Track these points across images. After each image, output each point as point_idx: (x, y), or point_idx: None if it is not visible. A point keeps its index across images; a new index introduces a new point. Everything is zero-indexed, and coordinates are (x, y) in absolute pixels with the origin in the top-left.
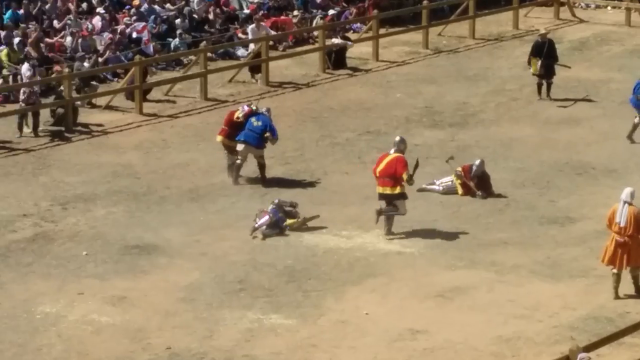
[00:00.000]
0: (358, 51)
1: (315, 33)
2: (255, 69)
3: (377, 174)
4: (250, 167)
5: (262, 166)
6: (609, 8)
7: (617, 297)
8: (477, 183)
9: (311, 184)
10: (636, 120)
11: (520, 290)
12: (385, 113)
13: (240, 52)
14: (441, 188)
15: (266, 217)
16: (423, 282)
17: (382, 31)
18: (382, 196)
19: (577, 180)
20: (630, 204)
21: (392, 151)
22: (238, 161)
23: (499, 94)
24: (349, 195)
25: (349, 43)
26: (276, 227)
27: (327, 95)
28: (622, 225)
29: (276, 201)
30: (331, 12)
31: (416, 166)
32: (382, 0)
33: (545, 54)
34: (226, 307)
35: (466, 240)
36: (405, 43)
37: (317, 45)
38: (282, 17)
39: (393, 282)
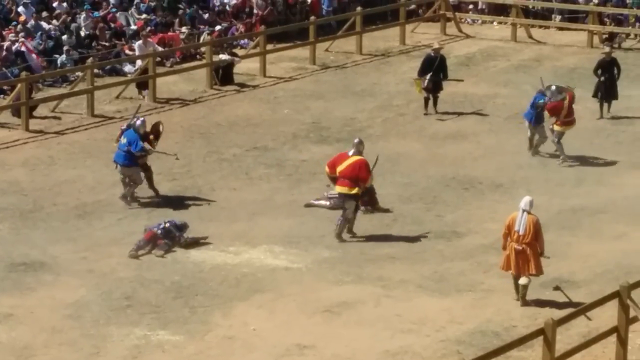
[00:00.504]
0: (245, 67)
1: (203, 49)
2: (142, 85)
3: (338, 174)
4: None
5: (148, 179)
6: (495, 23)
7: (518, 299)
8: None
9: (198, 200)
10: (529, 134)
11: (407, 305)
12: (272, 129)
13: (128, 68)
14: (329, 203)
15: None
16: (310, 297)
17: (269, 47)
18: (341, 195)
19: (464, 195)
20: (529, 212)
21: (350, 152)
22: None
23: (386, 109)
24: (237, 211)
25: (237, 59)
26: (165, 246)
27: (214, 111)
28: (521, 233)
29: (167, 225)
30: (218, 28)
31: (375, 163)
32: (269, 16)
33: (435, 68)
34: (113, 324)
35: (354, 255)
36: (292, 59)
37: (204, 61)
38: (170, 33)
39: (280, 297)
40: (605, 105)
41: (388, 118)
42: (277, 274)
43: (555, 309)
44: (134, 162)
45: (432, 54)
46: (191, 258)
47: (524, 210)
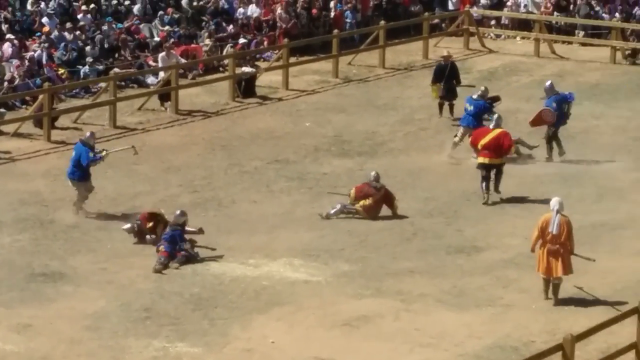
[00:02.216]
0: (268, 80)
1: (226, 61)
2: (164, 97)
3: (480, 147)
4: (158, 196)
5: None
6: (518, 38)
7: (547, 297)
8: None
9: (219, 212)
10: (456, 139)
11: (426, 319)
12: (294, 142)
13: (150, 79)
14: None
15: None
16: (330, 310)
17: (292, 60)
18: (484, 165)
19: (484, 210)
20: (561, 213)
21: (491, 126)
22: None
23: (408, 123)
24: (257, 224)
25: (260, 69)
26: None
27: (236, 123)
28: (555, 233)
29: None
30: (241, 40)
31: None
32: (293, 29)
33: (447, 76)
34: (132, 336)
35: (373, 268)
36: (315, 72)
37: (227, 73)
38: (193, 45)
39: (300, 310)
40: None
41: (410, 132)
42: (296, 287)
43: (574, 324)
44: (83, 176)
45: (443, 63)
46: (211, 270)
47: (557, 211)
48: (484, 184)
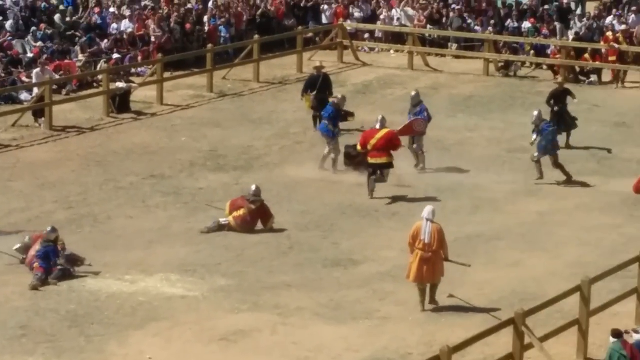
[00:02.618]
0: (143, 95)
1: (100, 77)
2: (39, 113)
3: (370, 147)
4: (33, 213)
5: None
6: (392, 52)
7: (424, 310)
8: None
9: (95, 229)
10: (326, 151)
11: (304, 333)
12: (169, 157)
13: (24, 96)
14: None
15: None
16: (207, 325)
17: (166, 75)
18: (375, 165)
19: (361, 223)
20: (432, 221)
21: (378, 126)
22: None
23: (284, 137)
24: (133, 240)
25: (134, 85)
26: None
27: (111, 139)
28: (426, 241)
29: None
30: (115, 55)
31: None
32: (167, 44)
33: (319, 87)
34: (8, 354)
35: (250, 283)
36: (189, 87)
37: (101, 89)
38: (66, 61)
39: (177, 326)
40: (565, 135)
41: (285, 146)
42: (173, 302)
43: (451, 335)
44: None
45: (315, 73)
46: (87, 287)
47: (427, 220)
48: (372, 181)
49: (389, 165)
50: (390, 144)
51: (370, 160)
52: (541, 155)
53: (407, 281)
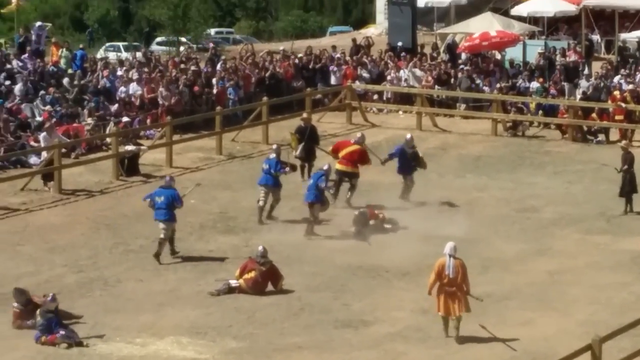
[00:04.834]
0: (152, 157)
1: (108, 140)
2: (48, 177)
3: (340, 156)
4: (42, 277)
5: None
6: (400, 112)
7: (447, 336)
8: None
9: (105, 292)
10: (260, 202)
11: None
12: (179, 219)
13: (33, 159)
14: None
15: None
16: None
17: (175, 137)
18: (340, 172)
19: (371, 284)
20: (454, 257)
21: (353, 140)
22: None
23: (293, 198)
24: (143, 303)
25: (143, 148)
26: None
27: (120, 202)
28: (452, 276)
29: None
30: (124, 119)
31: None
32: (176, 107)
33: (307, 138)
34: None
35: (261, 345)
36: (199, 149)
37: (110, 152)
38: (75, 124)
39: None
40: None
41: (295, 207)
42: None
43: None
44: None
45: (302, 124)
46: (97, 350)
47: (450, 255)
48: (334, 189)
49: (355, 175)
50: (359, 159)
51: (338, 167)
52: None
53: (439, 314)
